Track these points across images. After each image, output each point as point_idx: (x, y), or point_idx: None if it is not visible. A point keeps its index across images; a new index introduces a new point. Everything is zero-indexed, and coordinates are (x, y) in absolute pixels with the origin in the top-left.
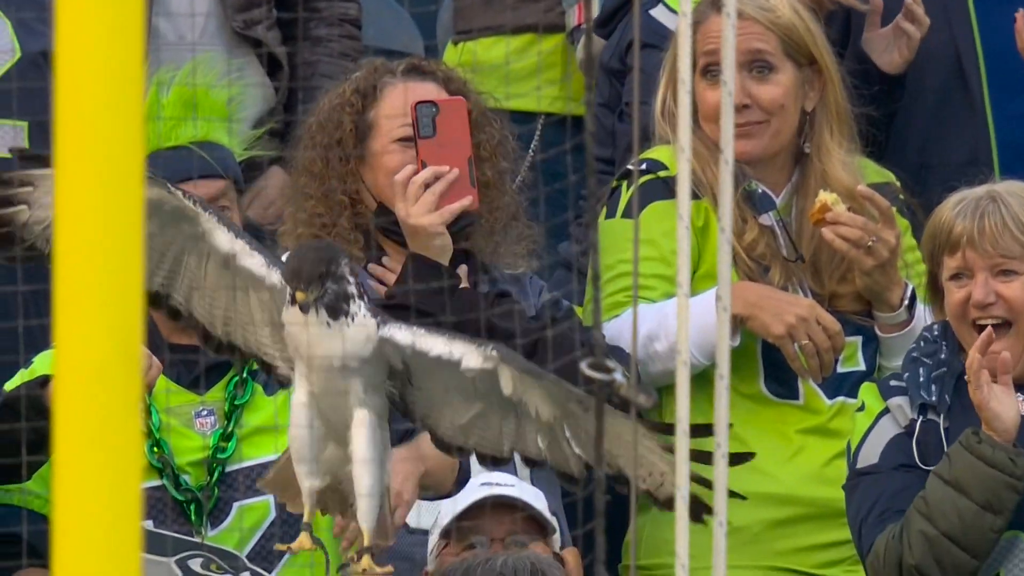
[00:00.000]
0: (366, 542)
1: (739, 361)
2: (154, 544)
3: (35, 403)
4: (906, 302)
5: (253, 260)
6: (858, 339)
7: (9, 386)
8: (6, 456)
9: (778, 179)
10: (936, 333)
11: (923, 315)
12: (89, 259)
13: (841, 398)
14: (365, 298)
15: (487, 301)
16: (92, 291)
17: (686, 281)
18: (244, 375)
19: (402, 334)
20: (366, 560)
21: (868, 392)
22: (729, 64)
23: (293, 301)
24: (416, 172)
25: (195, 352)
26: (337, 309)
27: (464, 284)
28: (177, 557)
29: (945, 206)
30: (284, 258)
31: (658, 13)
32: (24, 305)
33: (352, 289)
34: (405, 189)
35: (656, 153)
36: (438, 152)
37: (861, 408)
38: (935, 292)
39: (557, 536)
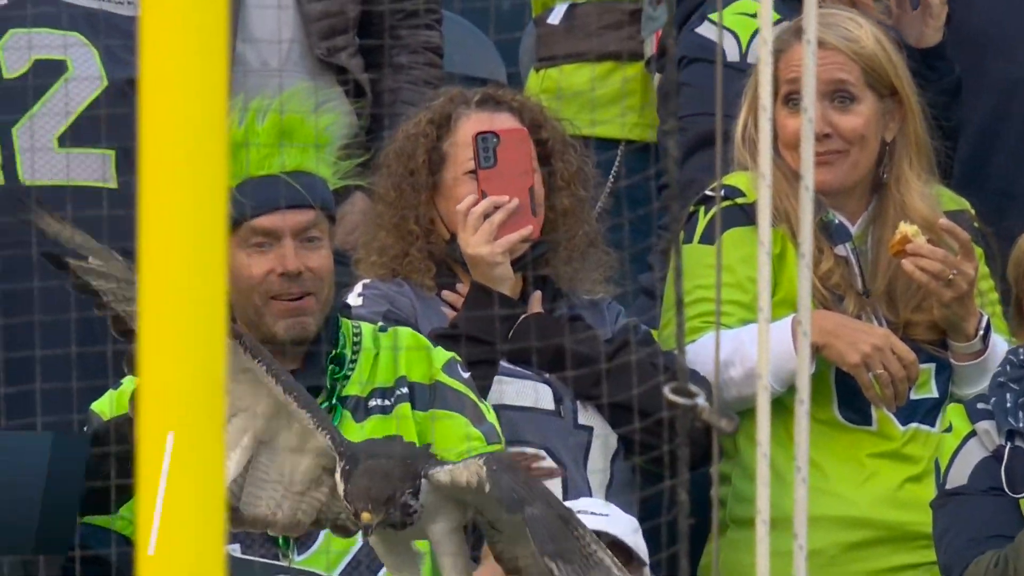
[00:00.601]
0: None
1: (813, 387)
2: (242, 570)
3: (123, 433)
4: (981, 332)
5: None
6: (931, 366)
7: (97, 406)
8: (96, 486)
9: (855, 209)
10: (1023, 357)
11: (996, 344)
12: (173, 285)
13: (914, 424)
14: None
15: (559, 325)
16: (176, 317)
17: (767, 306)
18: (333, 401)
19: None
20: None
21: (955, 414)
22: (809, 90)
23: (356, 515)
24: (477, 202)
25: None
26: (400, 525)
27: (538, 310)
28: None
29: None
30: (354, 475)
31: (704, 30)
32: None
33: (416, 506)
34: (466, 219)
35: (733, 179)
36: (499, 182)
37: (948, 429)
38: (1021, 316)
39: (647, 570)
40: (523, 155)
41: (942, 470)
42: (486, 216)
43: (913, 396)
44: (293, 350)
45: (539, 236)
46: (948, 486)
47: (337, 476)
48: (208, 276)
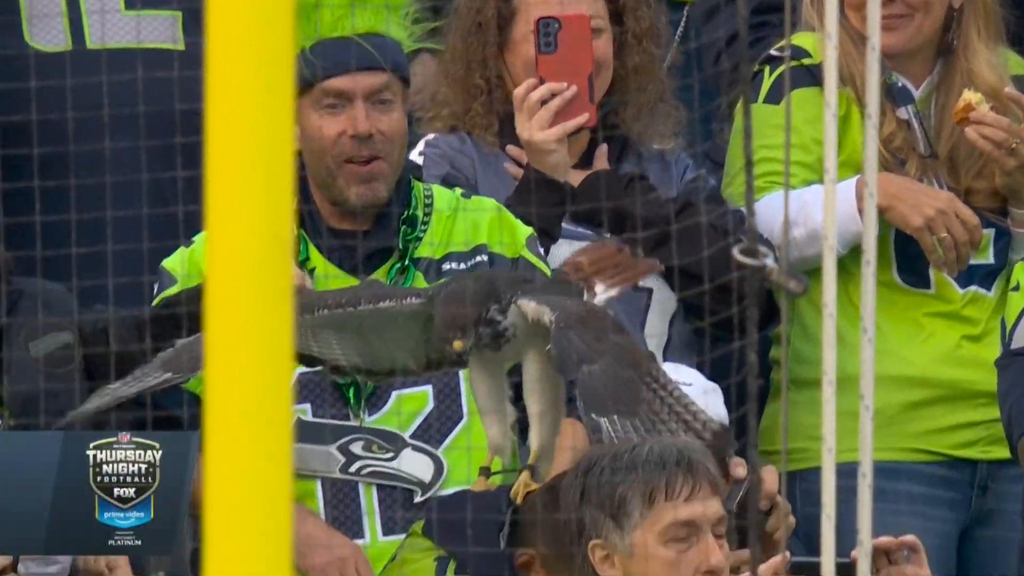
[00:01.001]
0: (531, 460)
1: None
2: (311, 433)
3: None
4: None
5: None
6: (990, 232)
7: (168, 264)
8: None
9: (919, 73)
10: None
11: None
12: (241, 146)
13: (973, 288)
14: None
15: (624, 183)
16: (244, 176)
17: (833, 167)
18: (405, 262)
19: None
20: (525, 475)
21: (1022, 272)
22: None
23: (449, 345)
24: (535, 88)
25: (355, 237)
26: (495, 345)
27: (603, 167)
28: (339, 443)
29: None
30: (437, 306)
31: None
32: (183, 192)
33: (505, 323)
34: (522, 104)
35: (799, 39)
36: (558, 69)
37: (1016, 288)
38: None
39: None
40: (584, 42)
41: (1008, 329)
42: (543, 103)
43: (971, 261)
44: (364, 212)
45: (595, 118)
46: (1013, 346)
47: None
48: (276, 135)
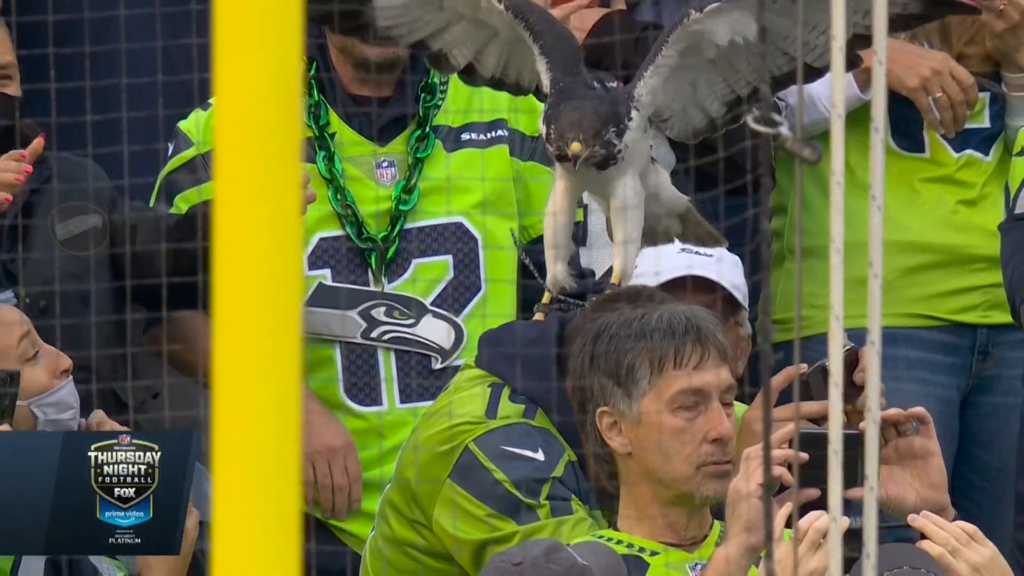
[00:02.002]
0: (614, 280)
1: (863, 113)
2: (332, 297)
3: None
4: None
5: None
6: (985, 96)
7: (184, 125)
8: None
9: None
10: None
11: None
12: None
13: (968, 151)
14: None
15: (636, 30)
16: (252, 40)
17: (841, 33)
18: (427, 129)
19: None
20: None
21: None
22: None
23: (562, 149)
24: None
25: (377, 105)
26: (604, 165)
27: (621, 6)
28: (360, 308)
29: None
30: (563, 108)
31: None
32: (199, 58)
33: (619, 145)
34: None
35: None
36: None
37: (1021, 153)
38: None
39: (745, 313)
40: None
41: (1012, 194)
42: None
43: (966, 125)
44: (383, 76)
45: None
46: (1017, 210)
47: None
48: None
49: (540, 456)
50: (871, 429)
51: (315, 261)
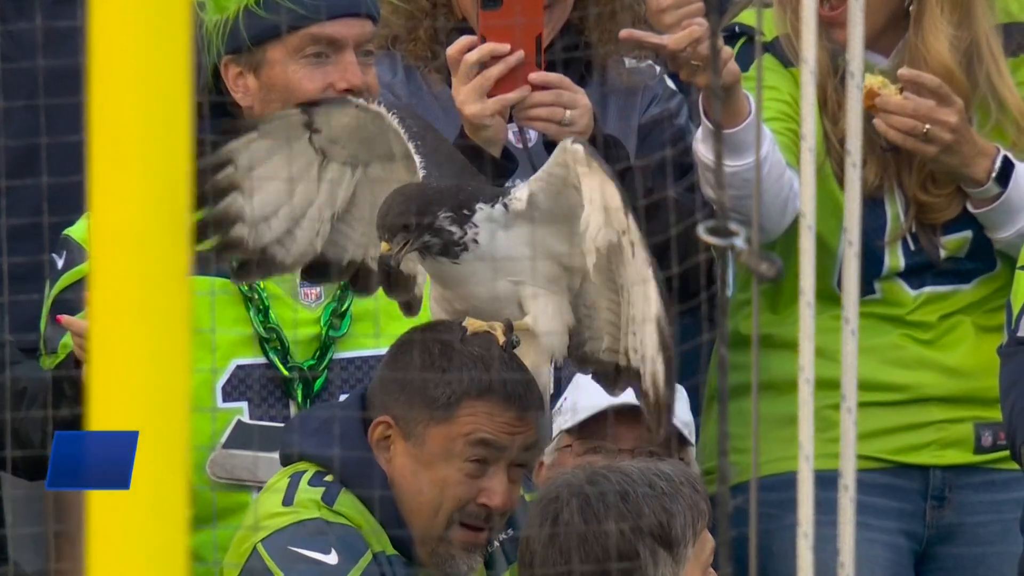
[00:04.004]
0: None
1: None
2: (251, 438)
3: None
4: (994, 174)
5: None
6: (967, 233)
7: (72, 232)
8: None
9: (888, 44)
10: None
11: (1022, 181)
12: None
13: (928, 288)
14: (478, 209)
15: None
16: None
17: (811, 133)
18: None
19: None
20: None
21: None
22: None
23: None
24: (471, 48)
25: None
26: (453, 252)
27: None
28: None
29: None
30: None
31: None
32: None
33: (458, 233)
34: (459, 67)
35: (745, 18)
36: (501, 28)
37: None
38: None
39: (692, 449)
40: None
41: (1014, 313)
42: (483, 66)
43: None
44: None
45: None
46: (1021, 332)
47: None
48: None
49: (331, 559)
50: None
51: (231, 392)
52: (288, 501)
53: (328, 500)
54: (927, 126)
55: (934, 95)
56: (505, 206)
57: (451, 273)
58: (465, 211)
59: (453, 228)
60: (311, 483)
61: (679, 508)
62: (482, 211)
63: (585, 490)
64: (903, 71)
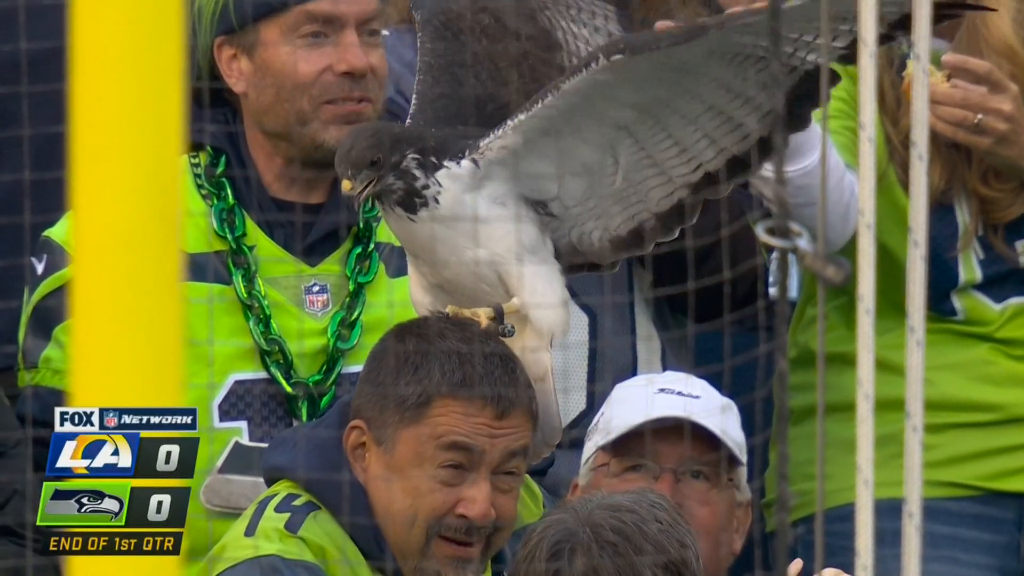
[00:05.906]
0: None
1: None
2: (250, 461)
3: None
4: None
5: None
6: None
7: (53, 233)
8: None
9: (949, 30)
10: None
11: None
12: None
13: (1015, 299)
14: (444, 165)
15: None
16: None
17: (870, 122)
18: (369, 247)
19: (500, 151)
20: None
21: None
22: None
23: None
24: None
25: (309, 212)
26: (412, 204)
27: None
28: None
29: None
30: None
31: None
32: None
33: (421, 180)
34: None
35: None
36: None
37: None
38: None
39: (743, 469)
40: None
41: None
42: None
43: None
44: (324, 173)
45: None
46: None
47: None
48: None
49: None
50: None
51: (228, 410)
52: (250, 531)
53: (292, 527)
54: (979, 116)
55: (985, 81)
56: (474, 161)
57: (411, 233)
58: (433, 159)
59: (418, 173)
60: (278, 509)
61: (689, 540)
62: (448, 168)
63: (601, 532)
64: (947, 57)
